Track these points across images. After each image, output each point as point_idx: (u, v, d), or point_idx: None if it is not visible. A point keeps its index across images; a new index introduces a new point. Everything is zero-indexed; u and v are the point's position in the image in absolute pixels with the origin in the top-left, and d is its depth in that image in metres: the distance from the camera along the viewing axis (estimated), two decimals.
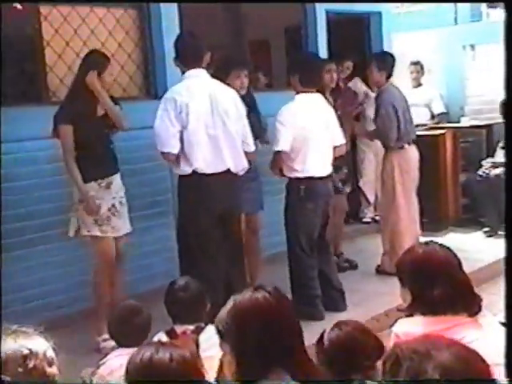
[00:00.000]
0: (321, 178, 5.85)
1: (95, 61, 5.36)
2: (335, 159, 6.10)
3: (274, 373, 2.22)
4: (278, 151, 5.76)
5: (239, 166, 5.32)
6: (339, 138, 6.10)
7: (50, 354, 2.16)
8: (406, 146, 7.05)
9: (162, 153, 5.14)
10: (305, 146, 5.75)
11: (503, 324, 1.87)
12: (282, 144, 5.72)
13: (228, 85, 5.49)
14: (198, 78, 5.21)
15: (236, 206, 5.38)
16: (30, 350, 2.10)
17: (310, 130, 5.77)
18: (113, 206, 5.35)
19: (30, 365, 2.08)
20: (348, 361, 2.59)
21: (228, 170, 5.23)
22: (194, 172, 5.10)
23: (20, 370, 2.06)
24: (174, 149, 5.06)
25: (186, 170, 5.13)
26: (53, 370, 2.16)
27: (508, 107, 2.04)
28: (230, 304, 2.33)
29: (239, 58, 6.50)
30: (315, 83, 6.00)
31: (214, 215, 5.17)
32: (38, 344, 2.15)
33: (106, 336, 5.07)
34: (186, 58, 5.24)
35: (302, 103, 5.85)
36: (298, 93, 5.92)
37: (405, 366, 1.61)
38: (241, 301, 2.32)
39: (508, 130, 2.04)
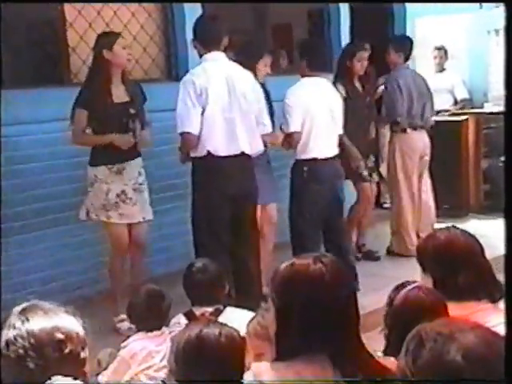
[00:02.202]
0: (326, 159, 5.82)
1: (103, 40, 5.28)
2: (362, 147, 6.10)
3: (317, 360, 2.03)
4: (291, 133, 5.79)
5: (255, 148, 5.30)
6: (340, 128, 6.08)
7: (82, 335, 2.01)
8: (410, 130, 7.03)
9: (182, 133, 5.08)
10: (308, 127, 5.78)
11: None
12: (294, 125, 5.76)
13: (250, 69, 5.47)
14: (216, 62, 5.18)
15: (250, 189, 5.32)
16: (65, 333, 1.94)
17: (314, 112, 5.79)
18: (122, 192, 5.28)
19: (67, 350, 1.93)
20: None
21: (242, 153, 5.20)
22: (208, 154, 5.08)
23: (56, 354, 1.91)
24: (195, 129, 5.01)
25: (200, 151, 5.10)
26: (85, 354, 2.00)
27: (508, 105, 1.99)
28: (284, 265, 2.15)
29: (268, 47, 6.48)
30: (322, 68, 6.05)
31: (226, 197, 5.13)
32: (72, 326, 1.99)
33: (123, 316, 5.09)
34: (204, 41, 5.21)
35: (307, 85, 5.89)
36: (303, 76, 5.97)
37: (428, 347, 1.59)
38: (295, 265, 2.12)
39: (508, 128, 1.99)
